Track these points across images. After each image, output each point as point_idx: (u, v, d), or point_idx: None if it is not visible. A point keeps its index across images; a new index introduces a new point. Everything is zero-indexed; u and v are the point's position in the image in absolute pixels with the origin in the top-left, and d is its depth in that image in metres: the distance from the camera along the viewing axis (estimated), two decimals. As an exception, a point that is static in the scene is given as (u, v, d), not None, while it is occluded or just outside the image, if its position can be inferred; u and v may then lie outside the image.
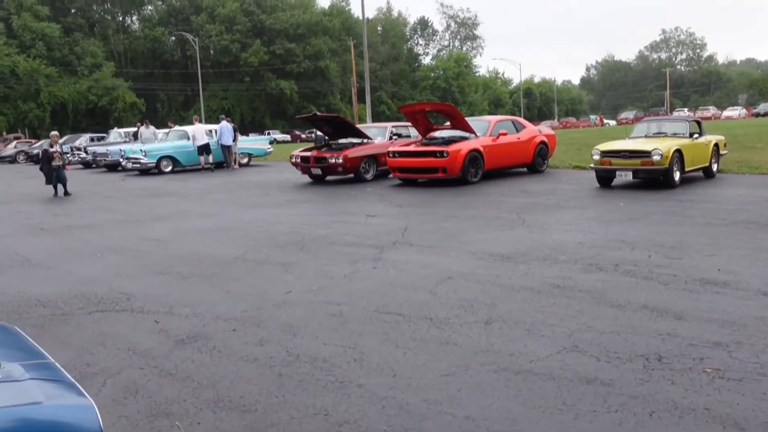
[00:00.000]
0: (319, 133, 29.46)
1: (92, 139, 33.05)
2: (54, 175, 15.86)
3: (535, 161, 16.43)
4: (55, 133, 17.75)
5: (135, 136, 27.14)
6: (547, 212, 10.16)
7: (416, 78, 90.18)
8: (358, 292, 5.94)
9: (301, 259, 7.45)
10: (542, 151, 16.70)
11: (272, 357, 4.36)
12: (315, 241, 8.55)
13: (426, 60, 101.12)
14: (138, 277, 6.95)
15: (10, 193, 17.62)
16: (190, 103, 69.97)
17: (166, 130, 26.22)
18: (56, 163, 15.84)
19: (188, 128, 23.61)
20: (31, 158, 35.07)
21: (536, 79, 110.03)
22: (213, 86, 70.43)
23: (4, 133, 49.11)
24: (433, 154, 14.34)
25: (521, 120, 17.71)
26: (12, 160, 37.39)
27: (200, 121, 22.77)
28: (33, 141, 41.46)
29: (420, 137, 16.20)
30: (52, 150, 16.09)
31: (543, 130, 18.01)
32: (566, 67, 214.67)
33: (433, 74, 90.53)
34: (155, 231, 9.96)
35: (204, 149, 22.05)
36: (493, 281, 6.09)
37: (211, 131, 23.20)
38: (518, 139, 15.96)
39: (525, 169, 16.69)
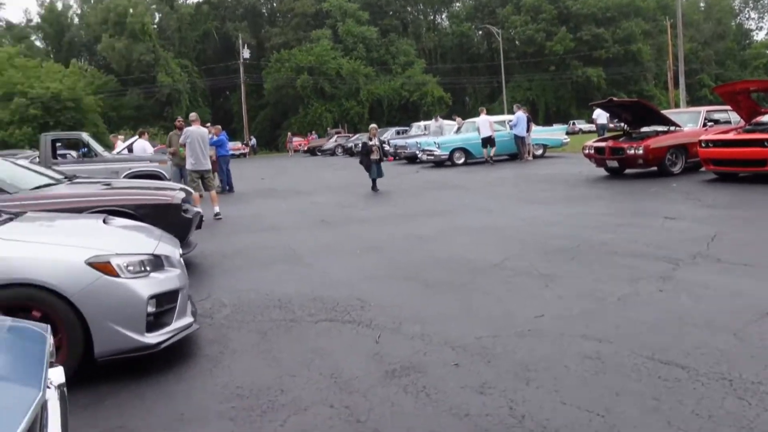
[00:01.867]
0: (601, 121, 26.91)
1: (398, 133, 34.71)
2: (373, 169, 15.46)
3: None
4: (373, 126, 17.08)
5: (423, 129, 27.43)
6: None
7: (746, 57, 79.12)
8: (631, 324, 4.54)
9: (569, 272, 6.18)
10: None
11: (488, 415, 3.29)
12: (592, 248, 7.17)
13: (759, 36, 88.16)
14: (382, 281, 6.37)
15: (317, 184, 18.86)
16: (495, 95, 70.44)
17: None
18: (374, 156, 15.45)
19: (476, 120, 23.17)
20: (347, 151, 38.13)
21: None
22: (517, 77, 70.00)
23: (329, 129, 54.62)
24: (758, 143, 11.63)
25: None
26: (332, 152, 41.18)
27: (485, 113, 22.06)
28: (350, 135, 45.18)
29: (742, 123, 13.38)
30: (371, 143, 15.71)
31: None
32: None
33: (768, 51, 78.62)
34: (424, 227, 9.42)
35: (487, 141, 21.34)
36: (839, 326, 4.20)
37: (504, 122, 22.46)
38: None
39: None
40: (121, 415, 3.57)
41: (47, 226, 4.79)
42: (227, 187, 17.65)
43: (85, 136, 14.98)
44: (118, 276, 4.06)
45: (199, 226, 8.04)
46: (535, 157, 22.25)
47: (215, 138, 17.71)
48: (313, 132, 55.66)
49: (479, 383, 3.69)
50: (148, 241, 4.67)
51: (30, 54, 58.14)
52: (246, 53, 59.34)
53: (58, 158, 14.71)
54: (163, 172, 13.95)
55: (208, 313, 5.52)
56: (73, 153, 15.79)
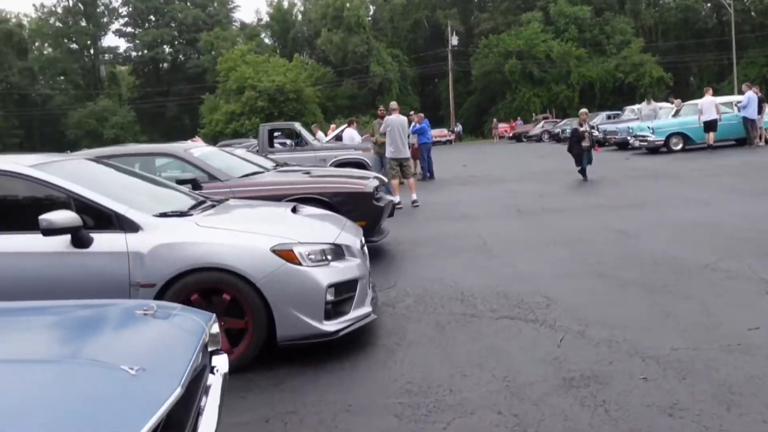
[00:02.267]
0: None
1: (608, 117, 32.82)
2: (584, 156, 14.29)
3: None
4: (584, 110, 15.76)
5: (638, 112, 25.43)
6: None
7: None
8: None
9: (796, 278, 5.34)
10: None
11: (675, 442, 2.90)
12: (830, 250, 6.14)
13: None
14: (573, 278, 5.98)
15: (518, 172, 18.42)
16: (724, 74, 63.82)
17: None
18: (585, 143, 14.24)
19: (699, 101, 21.04)
20: (553, 137, 36.90)
21: None
22: (751, 52, 62.68)
23: (535, 114, 53.23)
24: None
25: None
26: (538, 138, 40.13)
27: (711, 94, 19.88)
28: (557, 120, 43.65)
29: None
30: (581, 129, 14.55)
31: None
32: None
33: None
34: (628, 221, 8.74)
35: (710, 126, 19.21)
36: None
37: (731, 104, 20.20)
38: None
39: None
40: (294, 400, 3.69)
41: (240, 214, 5.11)
42: (428, 174, 17.88)
43: (297, 125, 16.01)
44: (300, 264, 4.20)
45: (391, 214, 8.18)
46: (767, 142, 19.76)
47: (418, 126, 17.99)
48: (519, 118, 54.58)
49: (669, 403, 3.27)
50: (331, 230, 4.79)
51: (259, 50, 63.69)
52: (454, 40, 59.73)
53: (275, 147, 15.87)
54: (367, 160, 14.44)
55: (391, 303, 5.56)
56: (289, 142, 16.97)
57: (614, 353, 4.01)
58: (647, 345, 4.08)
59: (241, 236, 4.28)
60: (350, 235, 4.83)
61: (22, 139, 67.95)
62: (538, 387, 3.60)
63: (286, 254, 4.20)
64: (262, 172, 7.79)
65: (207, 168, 7.29)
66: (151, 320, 2.34)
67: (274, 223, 4.76)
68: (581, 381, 3.63)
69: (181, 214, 4.53)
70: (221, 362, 2.61)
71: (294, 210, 5.25)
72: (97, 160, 5.98)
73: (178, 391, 1.77)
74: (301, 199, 7.11)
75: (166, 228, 4.27)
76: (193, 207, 4.86)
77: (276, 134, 18.04)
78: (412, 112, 20.14)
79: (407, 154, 12.61)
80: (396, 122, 12.41)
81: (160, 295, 4.11)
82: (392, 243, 8.29)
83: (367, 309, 4.56)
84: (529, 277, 6.06)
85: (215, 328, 2.63)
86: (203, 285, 4.16)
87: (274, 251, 4.19)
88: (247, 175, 7.48)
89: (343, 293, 4.41)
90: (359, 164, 14.77)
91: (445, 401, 3.51)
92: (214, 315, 2.62)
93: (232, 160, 8.19)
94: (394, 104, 13.01)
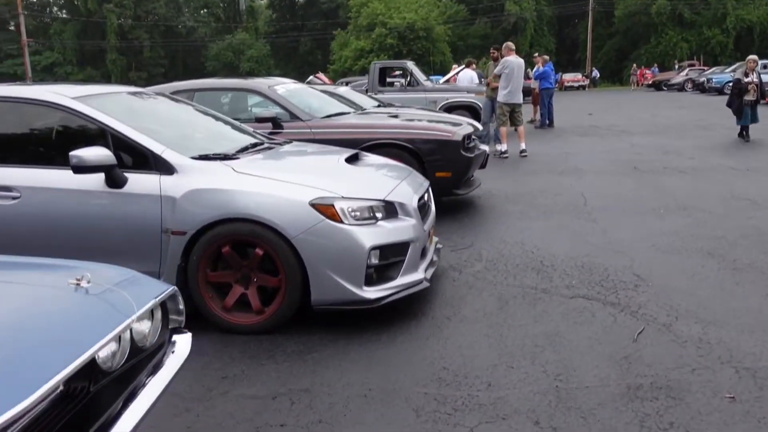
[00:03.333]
0: None
1: (765, 67, 29.45)
2: (746, 113, 12.27)
3: None
4: (752, 57, 12.99)
5: None
6: None
7: None
8: None
9: None
10: None
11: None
12: None
13: None
14: (677, 253, 5.14)
15: (648, 124, 16.80)
16: None
17: None
18: (749, 97, 12.19)
19: None
20: (697, 86, 33.81)
21: None
22: None
23: (677, 61, 48.96)
24: None
25: None
26: (679, 88, 36.92)
27: None
28: (705, 68, 39.91)
29: None
30: (746, 80, 12.37)
31: None
32: None
33: None
34: (761, 189, 7.57)
35: None
36: None
37: None
38: None
39: None
40: (313, 375, 3.30)
41: (290, 161, 4.67)
42: (547, 122, 16.74)
43: (410, 64, 15.34)
44: (341, 221, 3.75)
45: (483, 166, 7.50)
46: None
47: (541, 69, 16.81)
48: (655, 65, 50.38)
49: (753, 426, 2.58)
50: (385, 184, 4.27)
51: (392, -15, 62.58)
52: (598, -22, 55.75)
53: (386, 86, 15.33)
54: (479, 104, 13.62)
55: (460, 266, 5.02)
56: (400, 82, 16.36)
57: (701, 358, 3.29)
58: (746, 352, 3.32)
59: (279, 186, 3.86)
60: (408, 191, 4.29)
61: (166, 68, 71.45)
62: (594, 394, 2.98)
63: (325, 209, 3.75)
64: (347, 113, 7.32)
65: (289, 106, 6.93)
66: (68, 295, 1.94)
67: (323, 174, 4.29)
68: (649, 392, 2.97)
69: (225, 157, 4.18)
70: (182, 342, 2.23)
71: (355, 158, 4.77)
72: (169, 95, 5.77)
73: (25, 404, 1.38)
74: (381, 145, 6.65)
75: (202, 172, 3.92)
76: (243, 150, 4.50)
77: (396, 72, 17.49)
78: (536, 54, 18.82)
79: (521, 99, 11.69)
80: (515, 64, 11.48)
81: (191, 245, 3.82)
82: (483, 197, 7.66)
83: (418, 276, 4.06)
84: (624, 249, 5.28)
85: (175, 304, 2.24)
86: (236, 237, 3.81)
87: (313, 205, 3.75)
88: (330, 116, 7.05)
89: (390, 257, 3.92)
90: (471, 108, 14.05)
91: (477, 398, 2.98)
92: (173, 288, 2.22)
93: (320, 98, 7.79)
94: (510, 45, 12.01)
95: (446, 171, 6.63)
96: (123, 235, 3.89)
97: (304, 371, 3.35)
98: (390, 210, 4.02)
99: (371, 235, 3.81)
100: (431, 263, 4.38)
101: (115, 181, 3.86)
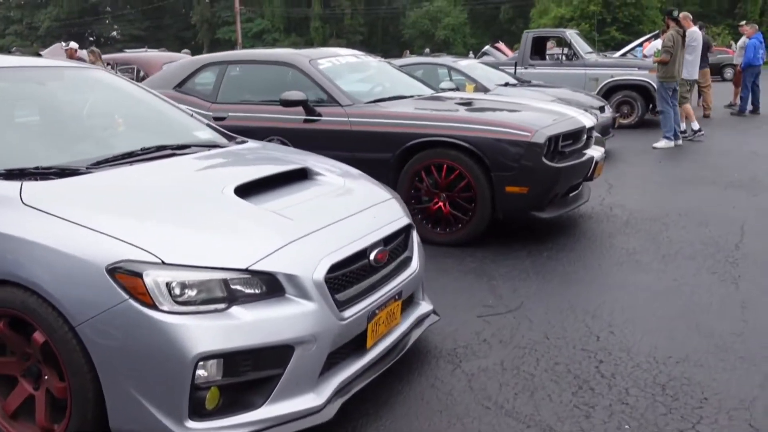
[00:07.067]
0: None
1: None
2: None
3: None
4: None
5: None
6: None
7: None
8: None
9: None
10: None
11: None
12: None
13: None
14: None
15: None
16: None
17: None
18: None
19: None
20: None
21: None
22: None
23: None
24: None
25: None
26: None
27: None
28: None
29: None
30: None
31: None
32: None
33: None
34: None
35: None
36: None
37: None
38: None
39: None
40: None
41: (141, 184, 2.75)
42: (748, 107, 13.32)
43: (570, 34, 12.87)
44: (152, 305, 2.15)
45: (589, 177, 5.28)
46: None
47: (747, 41, 13.40)
48: None
49: None
50: (277, 236, 2.44)
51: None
52: None
53: (543, 59, 12.99)
54: (652, 83, 10.99)
55: (467, 350, 3.16)
56: (560, 53, 13.86)
57: None
58: None
59: (73, 234, 2.30)
60: (325, 248, 2.51)
61: (365, 36, 72.26)
62: None
63: (131, 282, 2.17)
64: (403, 98, 5.51)
65: (327, 87, 5.32)
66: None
67: (170, 211, 2.58)
68: None
69: (62, 172, 2.71)
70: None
71: (302, 174, 3.08)
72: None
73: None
74: (431, 143, 4.84)
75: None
76: (124, 157, 3.00)
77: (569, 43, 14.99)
78: (743, 23, 15.11)
79: (696, 75, 9.77)
80: (700, 36, 10.14)
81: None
82: (593, 215, 5.57)
83: (308, 402, 2.34)
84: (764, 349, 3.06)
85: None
86: (8, 310, 2.36)
87: (111, 273, 2.18)
88: (376, 101, 5.33)
89: (249, 371, 2.25)
90: (641, 88, 11.46)
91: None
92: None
93: (383, 77, 6.09)
94: (688, 14, 9.80)
95: (520, 185, 4.65)
96: None
97: None
98: (270, 286, 2.32)
99: (206, 333, 2.17)
100: (368, 369, 2.62)
101: None
